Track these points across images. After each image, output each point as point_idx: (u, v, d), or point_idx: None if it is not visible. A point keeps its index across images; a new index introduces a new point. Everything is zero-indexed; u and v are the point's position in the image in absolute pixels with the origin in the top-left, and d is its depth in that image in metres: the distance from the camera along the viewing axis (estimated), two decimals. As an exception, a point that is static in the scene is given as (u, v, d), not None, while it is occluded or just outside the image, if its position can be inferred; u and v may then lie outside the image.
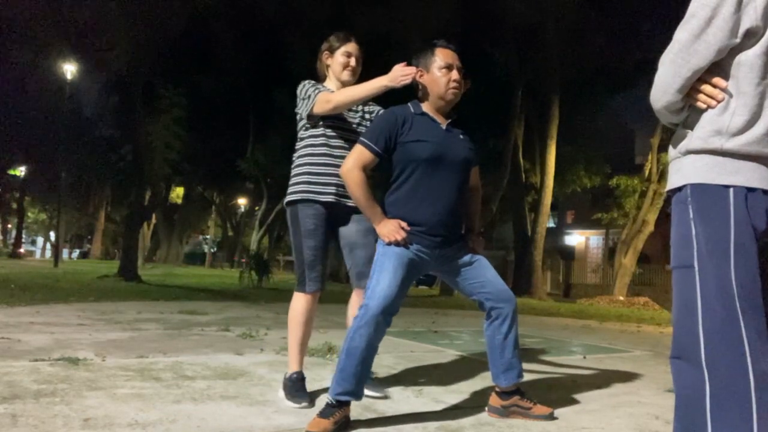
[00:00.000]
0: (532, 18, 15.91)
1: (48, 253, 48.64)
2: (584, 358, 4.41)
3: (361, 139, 2.35)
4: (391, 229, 2.27)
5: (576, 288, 21.64)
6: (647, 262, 20.43)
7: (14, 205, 39.13)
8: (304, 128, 2.72)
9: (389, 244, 2.27)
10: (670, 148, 1.44)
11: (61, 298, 7.22)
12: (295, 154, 2.74)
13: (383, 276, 2.21)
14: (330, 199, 2.61)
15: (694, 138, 1.35)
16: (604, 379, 3.53)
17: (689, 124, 1.38)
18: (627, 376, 3.67)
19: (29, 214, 44.11)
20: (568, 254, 27.35)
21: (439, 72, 2.37)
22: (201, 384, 2.76)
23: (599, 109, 20.93)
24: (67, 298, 7.17)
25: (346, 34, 2.76)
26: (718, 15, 1.28)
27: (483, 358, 4.18)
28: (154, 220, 35.14)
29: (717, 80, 1.33)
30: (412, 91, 2.49)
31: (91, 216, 39.95)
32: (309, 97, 2.61)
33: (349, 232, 2.69)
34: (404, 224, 2.28)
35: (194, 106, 15.33)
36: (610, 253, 22.45)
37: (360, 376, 2.19)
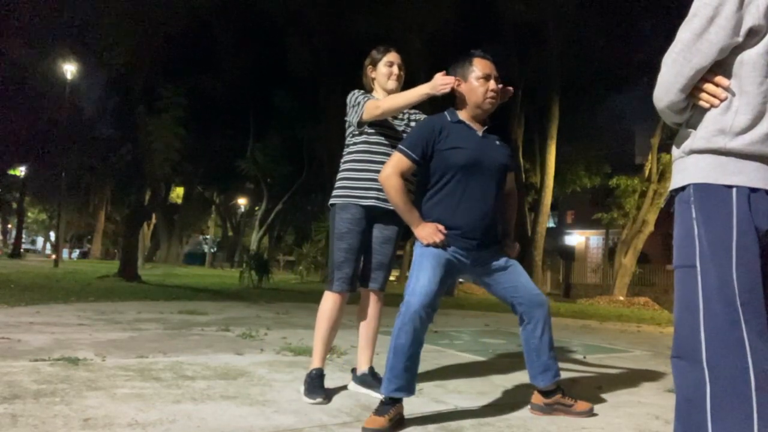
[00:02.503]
0: (532, 18, 15.92)
1: (48, 253, 48.60)
2: (584, 358, 4.40)
3: (400, 146, 2.43)
4: (429, 231, 2.34)
5: (576, 288, 21.61)
6: (647, 262, 20.41)
7: (14, 205, 39.12)
8: (350, 135, 2.83)
9: (428, 246, 2.34)
10: (674, 147, 1.44)
11: (61, 298, 7.22)
12: (342, 159, 2.86)
13: (422, 273, 2.29)
14: (371, 203, 2.71)
15: (697, 138, 1.35)
16: (604, 379, 3.53)
17: (692, 123, 1.38)
18: (627, 376, 3.67)
19: (29, 214, 44.10)
20: (568, 254, 27.32)
21: (477, 82, 2.44)
22: (201, 384, 2.76)
23: (599, 109, 20.93)
24: (67, 298, 7.17)
25: (385, 47, 2.88)
26: (720, 14, 1.28)
27: (483, 357, 4.19)
28: (154, 220, 35.14)
29: (719, 79, 1.33)
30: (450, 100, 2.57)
31: (91, 216, 39.93)
32: (358, 104, 2.73)
33: (369, 236, 2.80)
34: (441, 227, 2.35)
35: (194, 106, 15.29)
36: (610, 253, 22.44)
37: (410, 371, 2.26)
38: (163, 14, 13.28)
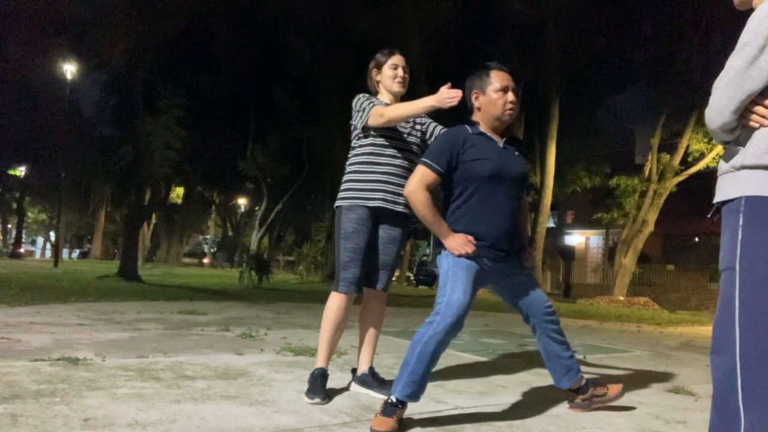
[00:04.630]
0: (532, 18, 15.91)
1: (48, 253, 48.60)
2: (584, 358, 4.40)
3: (423, 159, 2.43)
4: (460, 242, 2.34)
5: (576, 288, 21.62)
6: (647, 262, 20.41)
7: (14, 205, 39.13)
8: (356, 138, 2.83)
9: (459, 256, 2.34)
10: (721, 162, 1.58)
11: (61, 298, 7.22)
12: (347, 162, 2.86)
13: (457, 286, 2.30)
14: (378, 204, 2.71)
15: (748, 155, 1.47)
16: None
17: (741, 141, 1.51)
18: (627, 376, 3.67)
19: (29, 214, 44.08)
20: (568, 254, 27.33)
21: (495, 94, 2.46)
22: (201, 384, 2.76)
23: (599, 109, 20.93)
24: (67, 298, 7.17)
25: (390, 49, 2.89)
26: None
27: (483, 357, 4.19)
28: (154, 220, 35.12)
29: None
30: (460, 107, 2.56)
31: (91, 216, 39.92)
32: (363, 110, 2.73)
33: (375, 236, 2.81)
34: (471, 238, 2.36)
35: (194, 106, 15.28)
36: (610, 253, 22.43)
37: (426, 378, 2.29)
38: (163, 13, 13.28)
